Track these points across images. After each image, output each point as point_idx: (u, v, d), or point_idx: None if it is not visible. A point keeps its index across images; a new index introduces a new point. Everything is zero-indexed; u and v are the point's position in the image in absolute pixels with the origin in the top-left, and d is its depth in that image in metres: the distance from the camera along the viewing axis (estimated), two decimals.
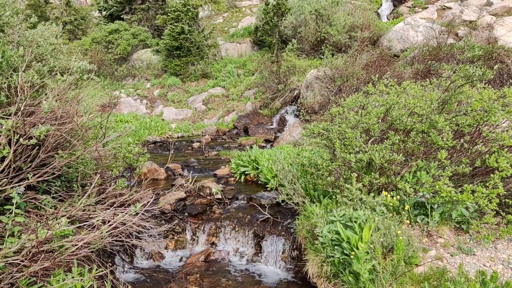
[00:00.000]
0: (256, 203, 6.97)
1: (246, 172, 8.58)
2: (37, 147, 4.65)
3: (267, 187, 7.56)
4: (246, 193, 7.58)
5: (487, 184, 4.97)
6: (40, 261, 3.31)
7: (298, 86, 16.45)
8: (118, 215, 4.51)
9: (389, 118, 5.84)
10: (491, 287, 3.47)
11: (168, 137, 14.75)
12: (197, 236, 6.40)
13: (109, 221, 4.46)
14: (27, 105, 4.52)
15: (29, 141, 4.17)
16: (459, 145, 5.48)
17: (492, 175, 4.97)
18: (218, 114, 17.24)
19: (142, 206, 4.14)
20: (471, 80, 5.23)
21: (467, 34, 16.00)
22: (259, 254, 6.07)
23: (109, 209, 5.02)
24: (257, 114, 16.45)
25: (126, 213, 4.21)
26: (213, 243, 6.36)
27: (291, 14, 19.75)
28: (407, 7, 25.02)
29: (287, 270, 5.75)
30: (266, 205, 6.72)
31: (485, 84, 6.15)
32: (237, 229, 6.37)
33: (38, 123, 4.46)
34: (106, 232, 4.25)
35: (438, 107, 5.69)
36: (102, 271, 4.16)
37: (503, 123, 5.83)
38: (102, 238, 3.89)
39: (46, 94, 5.07)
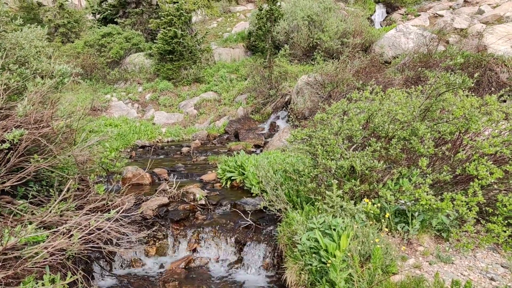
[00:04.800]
0: (240, 209, 6.91)
1: (232, 178, 8.53)
2: (12, 151, 4.58)
3: (252, 193, 7.51)
4: (231, 199, 7.53)
5: (467, 192, 4.96)
6: (5, 268, 3.24)
7: (289, 92, 16.45)
8: (94, 220, 4.45)
9: (371, 124, 5.82)
10: None
11: (157, 142, 14.68)
12: (179, 243, 6.33)
13: (84, 226, 4.39)
14: (2, 108, 4.46)
15: (1, 145, 4.11)
16: (441, 152, 5.46)
17: (472, 183, 4.96)
18: (210, 119, 17.20)
19: (116, 212, 4.07)
20: (452, 87, 5.22)
21: (457, 41, 16.09)
22: (240, 261, 6.01)
23: (88, 214, 4.96)
24: (248, 119, 16.42)
25: (101, 219, 4.15)
26: (194, 250, 6.29)
27: (283, 20, 19.78)
28: (400, 14, 25.17)
29: (267, 277, 5.70)
30: (249, 211, 6.67)
31: (473, 92, 6.17)
32: (219, 235, 6.31)
33: (12, 126, 4.40)
34: (81, 238, 4.19)
35: (420, 114, 5.68)
36: (74, 278, 4.09)
37: (484, 131, 5.83)
38: (74, 244, 3.83)
39: (23, 98, 5.02)
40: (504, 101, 5.85)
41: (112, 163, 5.53)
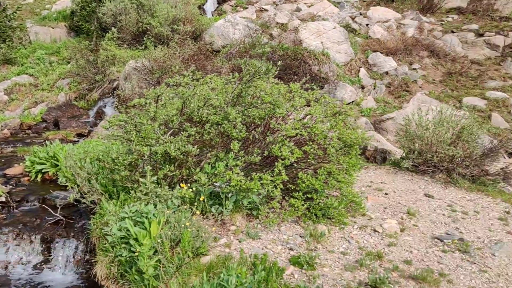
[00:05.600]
0: (50, 205, 6.25)
1: (44, 170, 7.65)
2: None
3: (67, 186, 6.86)
4: (41, 194, 6.75)
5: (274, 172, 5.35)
6: None
7: (118, 77, 15.60)
8: None
9: (187, 110, 5.83)
10: (260, 268, 3.69)
11: None
12: None
13: None
14: None
15: None
16: (252, 136, 5.79)
17: (277, 163, 5.38)
18: (24, 106, 15.18)
19: None
20: (259, 74, 5.55)
21: (279, 35, 17.48)
22: (48, 261, 5.43)
23: None
24: (72, 106, 15.05)
25: None
26: None
27: (110, 1, 18.58)
28: (230, 5, 26.07)
29: (79, 274, 5.28)
30: (59, 205, 6.06)
31: (293, 82, 6.68)
32: (22, 235, 5.58)
33: None
34: None
35: (232, 100, 5.91)
36: None
37: (290, 115, 6.40)
38: None
39: None
40: (312, 89, 6.48)
41: None
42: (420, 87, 14.15)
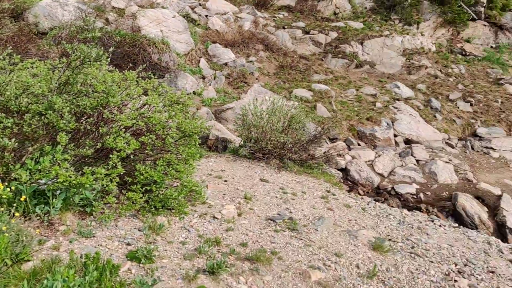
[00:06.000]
0: None
1: None
2: None
3: None
4: None
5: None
6: None
7: None
8: None
9: (2, 98, 5.07)
10: (91, 268, 3.44)
11: None
12: None
13: None
14: None
15: None
16: (83, 127, 5.35)
17: (112, 155, 5.08)
18: None
19: None
20: (88, 60, 5.14)
21: (116, 20, 16.55)
22: None
23: None
24: None
25: None
26: None
27: None
28: None
29: None
30: None
31: (130, 69, 6.34)
32: None
33: None
34: None
35: (59, 87, 5.36)
36: None
37: (127, 105, 6.11)
38: None
39: None
40: (150, 77, 6.29)
41: None
42: (257, 79, 15.04)
